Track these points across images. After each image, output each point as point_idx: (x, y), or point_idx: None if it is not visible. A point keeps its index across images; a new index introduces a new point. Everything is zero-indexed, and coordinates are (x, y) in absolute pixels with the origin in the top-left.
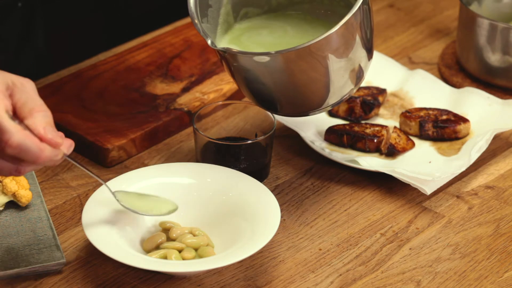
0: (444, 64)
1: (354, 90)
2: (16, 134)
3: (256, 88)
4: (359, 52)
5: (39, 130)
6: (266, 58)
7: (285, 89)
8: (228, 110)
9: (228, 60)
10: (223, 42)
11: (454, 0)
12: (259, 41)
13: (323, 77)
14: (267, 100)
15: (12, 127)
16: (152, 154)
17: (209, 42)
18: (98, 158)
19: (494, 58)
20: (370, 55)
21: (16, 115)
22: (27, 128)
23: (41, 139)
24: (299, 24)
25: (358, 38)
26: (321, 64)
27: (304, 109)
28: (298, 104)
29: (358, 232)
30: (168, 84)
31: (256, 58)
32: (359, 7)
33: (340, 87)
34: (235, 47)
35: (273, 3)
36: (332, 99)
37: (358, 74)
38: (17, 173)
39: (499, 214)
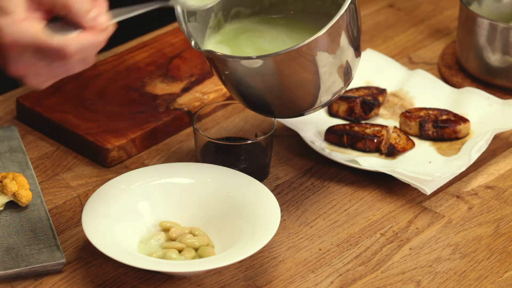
0: (444, 64)
1: (345, 88)
2: (69, 45)
3: (243, 91)
4: (346, 51)
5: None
6: (249, 62)
7: (272, 91)
8: (228, 110)
9: (213, 62)
10: (212, 42)
11: (454, 0)
12: (257, 45)
13: (311, 78)
14: (255, 102)
15: (60, 41)
16: (152, 154)
17: (192, 43)
18: (98, 158)
19: (494, 58)
20: (357, 53)
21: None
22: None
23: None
24: (294, 32)
25: (345, 38)
26: (309, 66)
27: (296, 110)
28: (289, 105)
29: (358, 232)
30: (168, 84)
31: (241, 61)
32: (347, 8)
33: (330, 85)
34: (225, 48)
35: (265, 3)
36: (324, 97)
37: (346, 71)
38: (87, 65)
39: (499, 214)
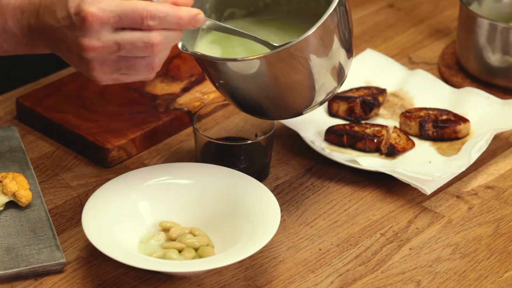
0: (444, 64)
1: (338, 88)
2: (149, 8)
3: (233, 92)
4: (337, 52)
5: None
6: (235, 64)
7: (262, 92)
8: (228, 110)
9: (203, 64)
10: (204, 42)
11: (454, 0)
12: (248, 46)
13: (301, 78)
14: (247, 105)
15: (142, 4)
16: (152, 154)
17: (179, 45)
18: (98, 158)
19: (494, 58)
20: (349, 53)
21: None
22: None
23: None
24: (287, 34)
25: (336, 39)
26: (298, 66)
27: (289, 111)
28: (281, 107)
29: (358, 232)
30: (168, 84)
31: (227, 63)
32: (335, 9)
33: (322, 85)
34: (217, 47)
35: (259, 4)
36: (317, 98)
37: (339, 72)
38: (151, 68)
39: (499, 214)
